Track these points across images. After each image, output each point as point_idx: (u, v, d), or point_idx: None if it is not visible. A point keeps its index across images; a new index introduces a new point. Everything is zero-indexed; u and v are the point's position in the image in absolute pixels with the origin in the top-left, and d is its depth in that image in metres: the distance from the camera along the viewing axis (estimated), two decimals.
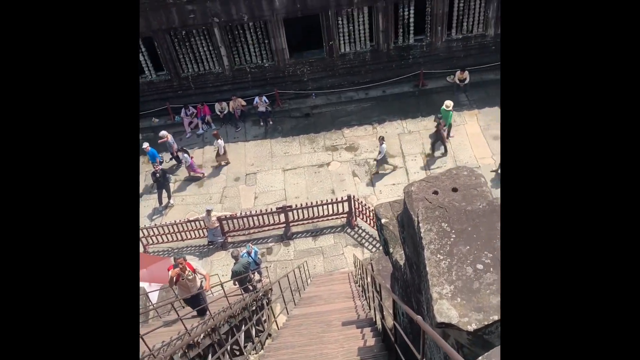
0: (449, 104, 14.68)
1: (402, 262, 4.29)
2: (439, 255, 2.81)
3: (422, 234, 2.87)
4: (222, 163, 15.69)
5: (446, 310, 2.57)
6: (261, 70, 16.71)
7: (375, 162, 14.64)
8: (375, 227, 13.02)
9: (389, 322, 5.54)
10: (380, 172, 14.64)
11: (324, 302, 8.74)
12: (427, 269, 2.76)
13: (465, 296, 2.61)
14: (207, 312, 7.93)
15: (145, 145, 15.01)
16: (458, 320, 2.51)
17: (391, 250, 4.89)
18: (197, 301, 8.30)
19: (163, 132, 15.61)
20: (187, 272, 8.12)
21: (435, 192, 3.57)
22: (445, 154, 14.88)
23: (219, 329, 6.59)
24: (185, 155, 14.86)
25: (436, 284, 2.68)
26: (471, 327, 2.48)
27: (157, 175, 13.97)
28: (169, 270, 8.43)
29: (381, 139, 14.22)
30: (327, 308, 7.99)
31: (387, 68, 16.87)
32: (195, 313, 8.34)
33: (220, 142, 15.20)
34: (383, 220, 5.18)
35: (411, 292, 3.97)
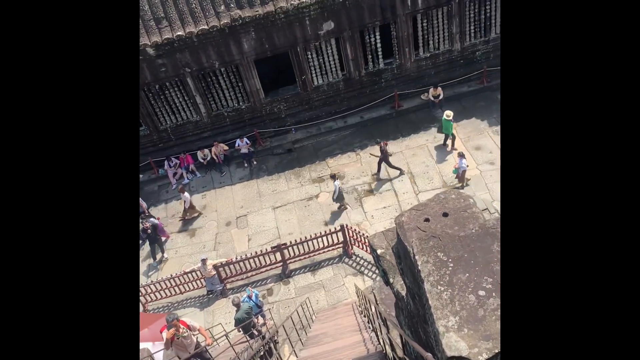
0: (449, 113, 14.71)
1: (403, 293, 4.25)
2: (439, 287, 2.79)
3: (419, 267, 2.85)
4: (192, 216, 15.48)
5: (454, 343, 2.53)
6: (238, 113, 16.84)
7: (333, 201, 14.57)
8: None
9: (399, 353, 5.45)
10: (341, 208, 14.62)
11: (331, 339, 8.58)
12: (430, 302, 2.74)
13: (472, 325, 2.58)
14: None
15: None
16: (468, 352, 2.47)
17: (391, 280, 4.84)
18: (201, 358, 8.14)
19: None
20: (181, 330, 7.87)
21: (427, 220, 3.56)
22: (401, 173, 15.08)
23: None
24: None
25: (441, 317, 2.65)
26: (482, 357, 2.44)
27: (149, 231, 13.82)
28: (161, 332, 8.18)
29: (333, 177, 14.26)
30: (336, 345, 7.84)
31: (361, 94, 17.11)
32: None
33: (186, 195, 15.10)
34: (379, 251, 5.15)
35: (417, 322, 3.92)
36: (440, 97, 16.59)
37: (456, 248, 2.96)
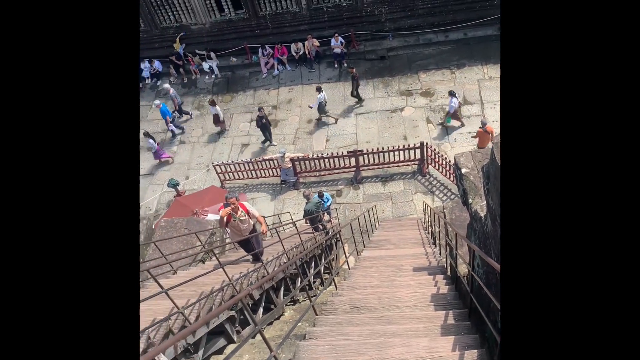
0: None
1: (482, 214, 4.28)
2: None
3: None
4: (224, 128, 15.65)
5: None
6: (338, 10, 16.34)
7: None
8: (447, 176, 12.84)
9: (462, 270, 5.61)
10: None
11: (393, 247, 8.90)
12: None
13: None
14: (261, 257, 7.25)
15: (157, 102, 15.48)
16: None
17: (470, 200, 4.86)
18: (250, 245, 7.36)
19: (166, 86, 16.16)
20: (239, 213, 7.08)
21: None
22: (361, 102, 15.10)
23: (293, 264, 6.97)
24: (151, 140, 14.72)
25: None
26: None
27: (263, 120, 14.28)
28: (219, 210, 7.44)
29: (319, 89, 14.29)
30: (398, 252, 8.13)
31: (470, 9, 15.92)
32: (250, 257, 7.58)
33: (217, 108, 15.09)
34: (463, 170, 5.13)
35: (491, 244, 3.98)
36: None
37: None
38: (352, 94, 15.26)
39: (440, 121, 14.38)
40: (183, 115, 16.45)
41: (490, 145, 13.74)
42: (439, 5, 16.00)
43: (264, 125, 14.42)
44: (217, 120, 15.28)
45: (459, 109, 13.81)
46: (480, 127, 12.73)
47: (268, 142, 14.93)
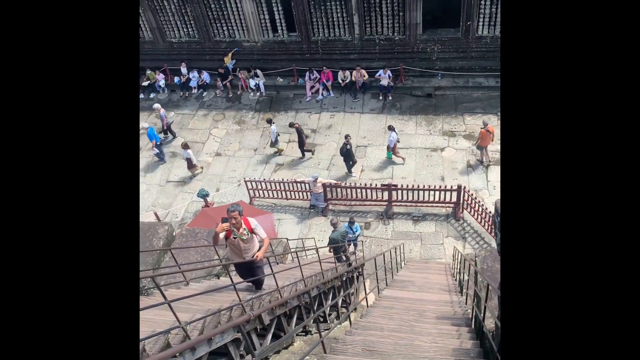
0: None
1: None
2: None
3: None
4: (194, 174, 15.09)
5: None
6: (390, 43, 16.29)
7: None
8: (482, 224, 12.31)
9: (489, 324, 5.16)
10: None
11: (417, 290, 8.44)
12: None
13: None
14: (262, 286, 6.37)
15: (145, 125, 15.34)
16: None
17: None
18: (251, 270, 6.20)
19: (156, 105, 16.04)
20: (241, 230, 5.90)
21: None
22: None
23: (310, 292, 6.64)
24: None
25: None
26: None
27: (348, 147, 13.85)
28: (217, 224, 6.07)
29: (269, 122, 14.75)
30: (421, 296, 7.68)
31: None
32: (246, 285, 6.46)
33: (190, 152, 14.57)
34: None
35: None
36: None
37: None
38: (300, 147, 14.93)
39: (485, 162, 13.92)
40: (169, 135, 16.40)
41: (493, 147, 13.34)
42: (493, 49, 15.71)
43: (348, 152, 13.96)
44: (190, 164, 14.85)
45: (397, 144, 14.15)
46: (482, 127, 13.43)
47: (347, 173, 14.43)
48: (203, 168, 15.28)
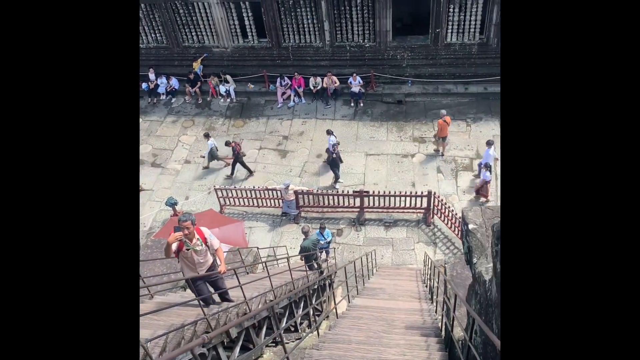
0: None
1: (487, 277, 3.87)
2: None
3: None
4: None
5: None
6: (361, 50, 16.35)
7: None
8: (452, 229, 12.41)
9: (457, 333, 5.14)
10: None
11: (388, 297, 8.41)
12: None
13: None
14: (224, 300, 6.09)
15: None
16: None
17: (475, 260, 4.46)
18: (213, 284, 5.89)
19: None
20: (194, 241, 5.53)
21: None
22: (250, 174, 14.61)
23: (279, 303, 6.53)
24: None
25: None
26: None
27: (334, 155, 13.68)
28: (171, 234, 5.49)
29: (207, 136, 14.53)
30: (391, 305, 7.64)
31: (493, 64, 15.83)
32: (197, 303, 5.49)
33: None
34: (471, 226, 4.75)
35: (493, 312, 3.56)
36: None
37: None
38: (244, 166, 14.66)
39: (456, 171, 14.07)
40: None
41: (462, 153, 13.49)
42: (462, 57, 15.95)
43: (334, 161, 13.79)
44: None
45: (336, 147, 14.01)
46: (440, 119, 13.85)
47: (336, 180, 14.19)
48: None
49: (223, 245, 11.39)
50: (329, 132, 14.20)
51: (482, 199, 13.12)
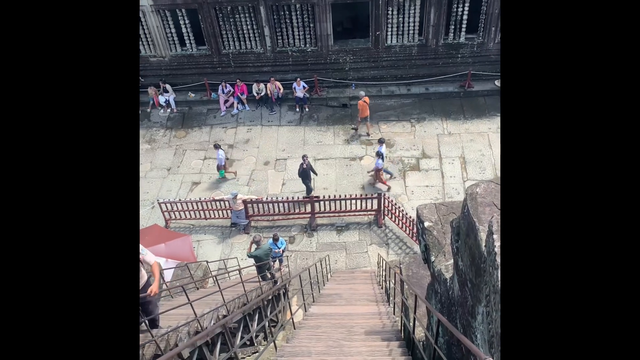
0: None
1: (447, 276, 3.76)
2: None
3: (496, 249, 2.34)
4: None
5: None
6: (303, 55, 16.23)
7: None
8: (404, 229, 12.46)
9: (419, 333, 5.03)
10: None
11: (345, 302, 8.24)
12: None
13: None
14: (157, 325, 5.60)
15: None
16: None
17: (433, 258, 4.36)
18: (143, 307, 5.24)
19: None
20: None
21: None
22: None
23: (232, 317, 6.20)
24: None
25: None
26: None
27: (304, 166, 13.12)
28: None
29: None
30: (349, 310, 7.47)
31: (433, 65, 16.17)
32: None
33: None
34: (426, 224, 4.64)
35: (456, 311, 3.44)
36: None
37: None
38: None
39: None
40: None
41: (409, 153, 13.68)
42: (403, 59, 16.17)
43: (305, 173, 13.20)
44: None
45: (227, 161, 14.38)
46: (360, 100, 14.58)
47: (308, 192, 13.61)
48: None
49: (170, 262, 10.93)
50: (217, 147, 14.06)
51: (381, 186, 13.74)
